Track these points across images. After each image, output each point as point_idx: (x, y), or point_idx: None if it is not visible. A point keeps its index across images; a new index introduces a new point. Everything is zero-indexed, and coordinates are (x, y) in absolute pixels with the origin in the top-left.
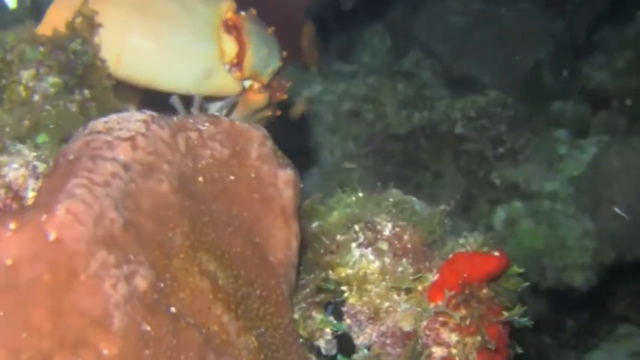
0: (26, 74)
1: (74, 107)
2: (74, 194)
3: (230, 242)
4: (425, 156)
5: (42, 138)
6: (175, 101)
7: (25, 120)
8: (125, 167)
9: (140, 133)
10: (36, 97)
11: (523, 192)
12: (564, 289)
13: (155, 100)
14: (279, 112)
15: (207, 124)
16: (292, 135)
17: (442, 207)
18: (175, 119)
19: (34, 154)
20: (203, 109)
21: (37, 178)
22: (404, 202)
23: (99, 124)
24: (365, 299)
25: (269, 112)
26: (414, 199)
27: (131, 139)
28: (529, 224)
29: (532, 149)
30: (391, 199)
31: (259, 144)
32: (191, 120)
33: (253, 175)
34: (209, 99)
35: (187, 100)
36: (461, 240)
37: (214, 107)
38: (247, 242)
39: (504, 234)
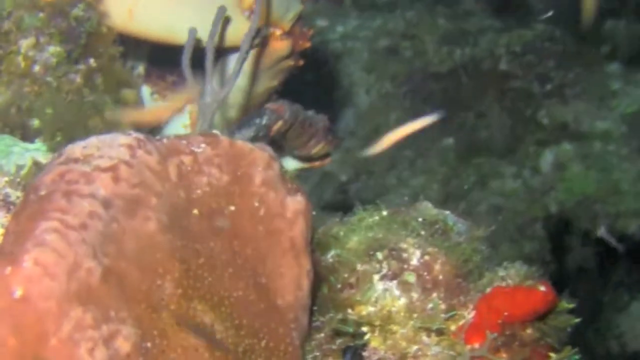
0: (25, 43)
1: (78, 78)
2: (43, 242)
3: (230, 285)
4: (468, 95)
5: (37, 123)
6: (185, 66)
7: (25, 93)
8: (106, 204)
9: (123, 161)
10: (36, 68)
11: (573, 133)
12: (616, 237)
13: (162, 61)
14: (301, 62)
15: (203, 145)
16: (324, 77)
17: (480, 230)
18: (165, 140)
19: (6, 179)
20: (217, 68)
21: (8, 210)
22: (436, 222)
23: (76, 149)
24: (389, 342)
25: (291, 62)
26: (447, 213)
27: (113, 168)
28: (580, 168)
29: (582, 85)
30: (420, 219)
31: (263, 167)
32: (184, 142)
33: (257, 204)
34: (224, 51)
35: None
36: (501, 272)
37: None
38: (250, 285)
39: (552, 178)
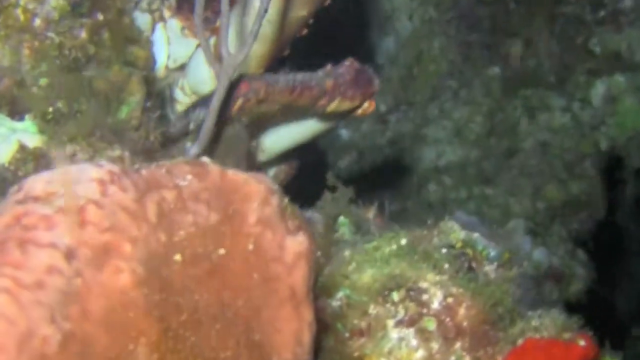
0: None
1: (82, 34)
2: None
3: (218, 345)
4: (516, 22)
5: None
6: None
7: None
8: (69, 255)
9: (92, 201)
10: (37, 22)
11: (626, 63)
12: None
13: None
14: None
15: (188, 177)
16: (363, 1)
17: (513, 270)
18: (144, 172)
19: None
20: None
21: None
22: (462, 255)
23: (37, 185)
24: None
25: None
26: (476, 236)
27: (80, 210)
28: (632, 101)
29: (637, 12)
30: (444, 249)
31: (260, 202)
32: (167, 174)
33: (251, 247)
34: None
35: None
36: (534, 321)
37: None
38: (242, 343)
39: (603, 112)
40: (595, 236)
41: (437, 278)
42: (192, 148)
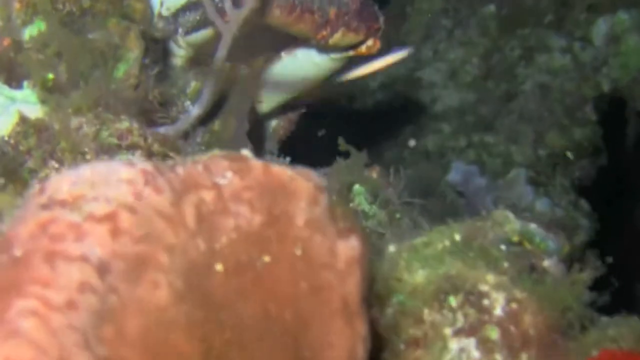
0: None
1: None
2: (17, 331)
3: None
4: None
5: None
6: None
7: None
8: (102, 269)
9: (125, 205)
10: None
11: None
12: None
13: None
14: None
15: (228, 175)
16: None
17: (586, 272)
18: (179, 169)
19: None
20: None
21: None
22: (523, 253)
23: (63, 185)
24: None
25: None
26: (533, 226)
27: (111, 217)
28: (637, 40)
29: None
30: (503, 246)
31: (308, 201)
32: (203, 170)
33: (299, 252)
34: None
35: None
36: (611, 330)
37: None
38: None
39: (605, 52)
40: (598, 183)
41: (498, 279)
42: (194, 108)
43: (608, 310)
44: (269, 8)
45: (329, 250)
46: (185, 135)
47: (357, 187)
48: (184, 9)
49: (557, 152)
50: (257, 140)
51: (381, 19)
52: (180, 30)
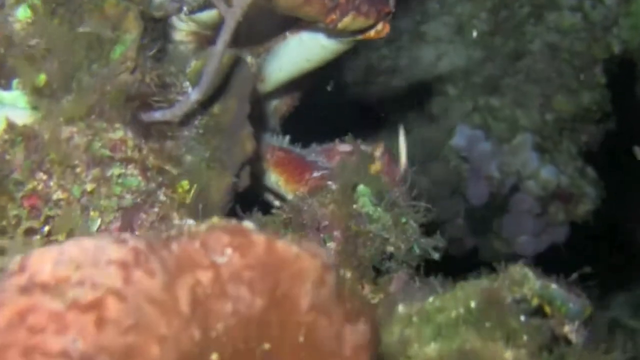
0: None
1: None
2: None
3: None
4: None
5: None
6: None
7: None
8: None
9: (113, 291)
10: None
11: None
12: None
13: None
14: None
15: (228, 252)
16: None
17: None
18: (174, 246)
19: None
20: None
21: None
22: (543, 326)
23: (44, 266)
24: None
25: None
26: (554, 287)
27: (97, 305)
28: None
29: None
30: (522, 317)
31: (314, 282)
32: (200, 247)
33: (303, 339)
34: None
35: None
36: None
37: None
38: None
39: (616, 12)
40: (606, 148)
41: (515, 355)
42: (193, 93)
43: None
44: None
45: (335, 336)
46: (184, 119)
47: (361, 187)
48: None
49: (564, 116)
50: (258, 119)
51: (392, 2)
52: (185, 8)
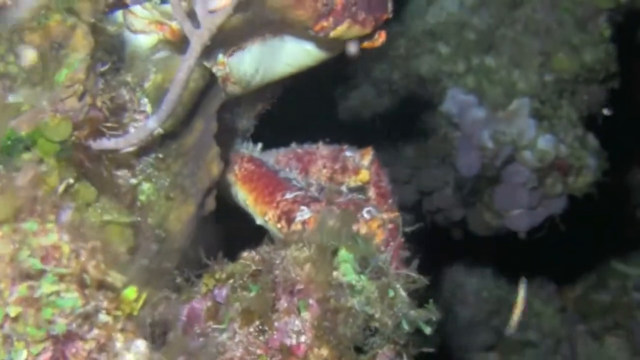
0: None
1: None
2: None
3: None
4: None
5: None
6: None
7: None
8: None
9: None
10: None
11: None
12: None
13: None
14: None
15: None
16: None
17: None
18: None
19: None
20: None
21: None
22: None
23: None
24: None
25: None
26: None
27: None
28: None
29: None
30: None
31: None
32: None
33: None
34: None
35: None
36: None
37: None
38: None
39: None
40: (609, 110)
41: None
42: (151, 120)
43: None
44: None
45: None
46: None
47: (343, 252)
48: None
49: (565, 77)
50: (226, 128)
51: (390, 6)
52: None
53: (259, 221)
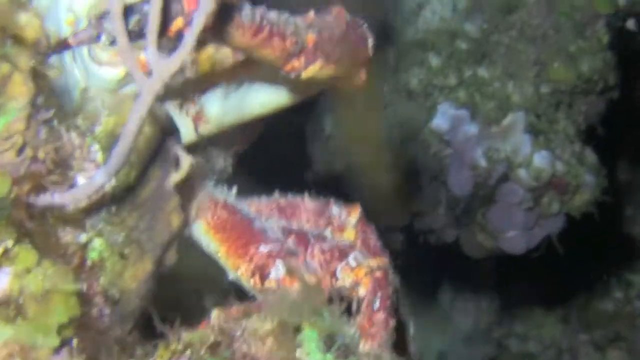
0: None
1: None
2: None
3: None
4: None
5: None
6: None
7: None
8: None
9: None
10: None
11: None
12: None
13: None
14: None
15: None
16: None
17: None
18: None
19: None
20: None
21: None
22: None
23: None
24: None
25: None
26: None
27: None
28: None
29: None
30: None
31: None
32: None
33: None
34: None
35: None
36: None
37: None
38: None
39: None
40: (609, 124)
41: None
42: (99, 174)
43: None
44: (227, 27)
45: None
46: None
47: (307, 329)
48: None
49: (561, 88)
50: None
51: (371, 44)
52: (103, 37)
53: (231, 276)
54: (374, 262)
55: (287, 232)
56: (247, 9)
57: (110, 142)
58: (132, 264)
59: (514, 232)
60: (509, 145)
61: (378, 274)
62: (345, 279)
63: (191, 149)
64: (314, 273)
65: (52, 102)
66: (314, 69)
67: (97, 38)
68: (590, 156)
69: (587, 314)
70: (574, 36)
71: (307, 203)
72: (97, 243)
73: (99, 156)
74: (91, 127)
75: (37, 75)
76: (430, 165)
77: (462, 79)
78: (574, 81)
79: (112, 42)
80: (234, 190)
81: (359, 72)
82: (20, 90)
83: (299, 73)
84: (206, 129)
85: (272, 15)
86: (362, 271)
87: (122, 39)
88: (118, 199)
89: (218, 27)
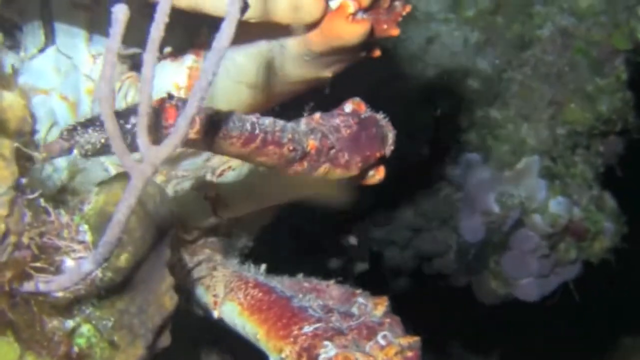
0: None
1: None
2: None
3: None
4: None
5: None
6: None
7: None
8: None
9: None
10: None
11: None
12: None
13: None
14: (378, 53)
15: None
16: None
17: None
18: None
19: None
20: None
21: None
22: None
23: None
24: None
25: (362, 54)
26: None
27: None
28: None
29: None
30: None
31: None
32: None
33: None
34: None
35: None
36: None
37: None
38: None
39: None
40: (627, 161)
41: None
42: (86, 262)
43: None
44: (215, 138)
45: None
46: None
47: None
48: (85, 124)
49: (578, 130)
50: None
51: (391, 140)
52: (75, 151)
53: (273, 359)
54: (404, 341)
55: (327, 309)
56: (235, 119)
57: (99, 222)
58: (123, 350)
59: (528, 279)
60: (524, 190)
61: (410, 353)
62: (376, 358)
63: (212, 229)
64: (367, 354)
65: (38, 183)
66: (322, 172)
67: (70, 151)
68: (609, 201)
69: None
70: (591, 74)
71: (332, 289)
72: (85, 329)
73: (88, 236)
74: (80, 205)
75: (21, 157)
76: (440, 210)
77: (473, 121)
78: (591, 122)
79: (85, 155)
80: (263, 268)
81: (375, 170)
82: (3, 174)
83: (305, 174)
84: (228, 212)
85: (267, 122)
86: (392, 350)
87: (111, 124)
88: (108, 282)
89: (204, 138)
